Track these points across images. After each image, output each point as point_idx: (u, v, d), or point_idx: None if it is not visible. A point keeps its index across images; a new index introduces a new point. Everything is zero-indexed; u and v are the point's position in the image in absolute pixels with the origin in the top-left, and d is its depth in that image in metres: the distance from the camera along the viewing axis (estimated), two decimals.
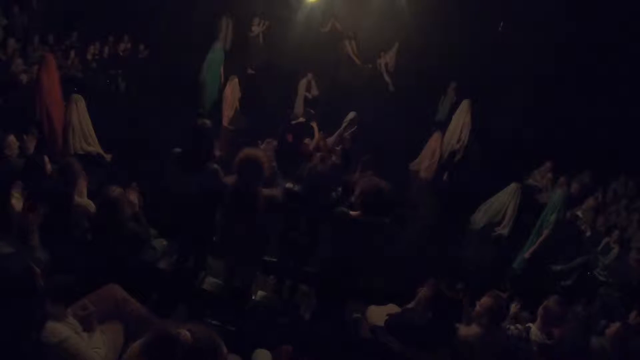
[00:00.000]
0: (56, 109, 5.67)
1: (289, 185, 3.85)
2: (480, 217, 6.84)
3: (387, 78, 10.41)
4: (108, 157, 6.22)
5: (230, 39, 10.18)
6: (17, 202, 3.14)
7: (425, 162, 8.33)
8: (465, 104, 8.24)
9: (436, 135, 8.25)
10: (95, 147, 6.11)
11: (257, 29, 10.41)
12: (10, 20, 8.62)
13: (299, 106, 8.94)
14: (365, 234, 3.48)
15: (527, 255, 5.56)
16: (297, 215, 3.74)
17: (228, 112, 8.44)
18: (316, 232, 3.82)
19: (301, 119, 7.17)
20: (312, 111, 7.11)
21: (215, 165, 3.56)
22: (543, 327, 3.43)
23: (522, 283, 5.37)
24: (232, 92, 8.44)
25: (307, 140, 6.50)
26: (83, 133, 5.95)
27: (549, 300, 3.53)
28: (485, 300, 3.20)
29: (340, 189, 4.48)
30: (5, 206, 3.14)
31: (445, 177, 8.40)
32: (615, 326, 3.55)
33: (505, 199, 6.64)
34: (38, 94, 5.48)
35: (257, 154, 3.37)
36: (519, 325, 3.49)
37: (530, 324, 3.51)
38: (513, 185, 6.63)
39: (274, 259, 4.15)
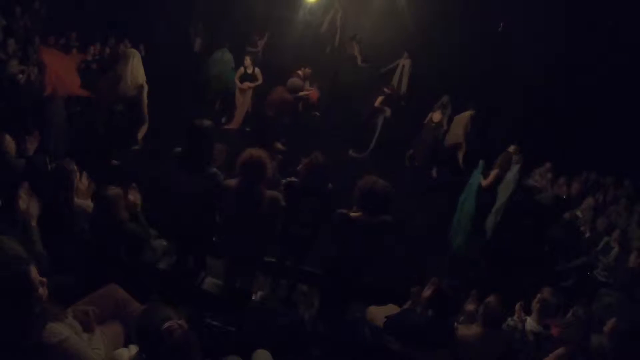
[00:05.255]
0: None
1: (289, 179, 3.82)
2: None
3: (401, 79, 10.26)
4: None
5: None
6: (22, 202, 3.13)
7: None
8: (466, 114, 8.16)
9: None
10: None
11: (260, 43, 10.05)
12: (10, 21, 8.61)
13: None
14: (366, 235, 3.48)
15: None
16: (297, 207, 3.72)
17: (238, 115, 8.35)
18: (317, 224, 3.82)
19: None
20: (317, 113, 7.08)
21: (215, 169, 3.56)
22: (539, 319, 3.50)
23: (521, 282, 5.37)
24: (244, 95, 8.36)
25: None
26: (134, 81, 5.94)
27: (542, 292, 3.58)
28: (486, 300, 3.22)
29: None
30: (9, 206, 3.13)
31: (443, 177, 8.39)
32: (611, 322, 3.56)
33: None
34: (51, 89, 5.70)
35: (260, 155, 3.37)
36: (515, 318, 3.50)
37: (526, 317, 3.54)
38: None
39: (274, 259, 4.15)
